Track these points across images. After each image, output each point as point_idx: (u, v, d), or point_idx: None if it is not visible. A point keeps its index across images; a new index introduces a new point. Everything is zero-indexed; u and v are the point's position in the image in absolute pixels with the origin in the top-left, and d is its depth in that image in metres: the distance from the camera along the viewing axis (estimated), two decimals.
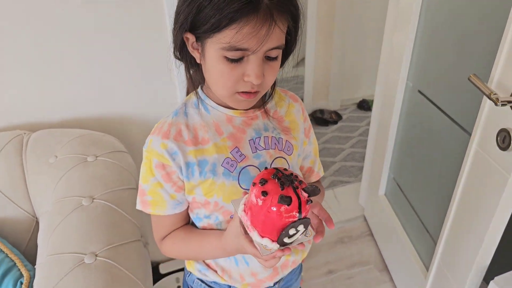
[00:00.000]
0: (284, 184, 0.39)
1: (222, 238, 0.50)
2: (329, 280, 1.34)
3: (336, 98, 2.54)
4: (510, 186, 0.66)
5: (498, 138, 0.66)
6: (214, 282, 0.61)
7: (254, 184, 0.41)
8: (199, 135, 0.52)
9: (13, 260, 0.77)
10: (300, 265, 0.70)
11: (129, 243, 0.70)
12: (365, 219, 1.59)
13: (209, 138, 0.51)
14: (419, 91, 1.06)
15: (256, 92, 0.48)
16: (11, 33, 0.85)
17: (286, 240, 0.40)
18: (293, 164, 0.57)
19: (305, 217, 0.40)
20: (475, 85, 0.63)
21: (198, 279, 0.63)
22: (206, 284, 0.62)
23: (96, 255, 0.65)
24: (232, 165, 0.52)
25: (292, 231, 0.39)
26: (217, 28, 0.42)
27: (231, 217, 0.54)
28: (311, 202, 0.41)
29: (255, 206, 0.40)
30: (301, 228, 0.40)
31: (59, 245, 0.68)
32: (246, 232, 0.44)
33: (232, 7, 0.40)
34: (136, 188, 0.83)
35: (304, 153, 0.62)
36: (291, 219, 0.38)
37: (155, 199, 0.53)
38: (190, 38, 0.46)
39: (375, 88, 1.41)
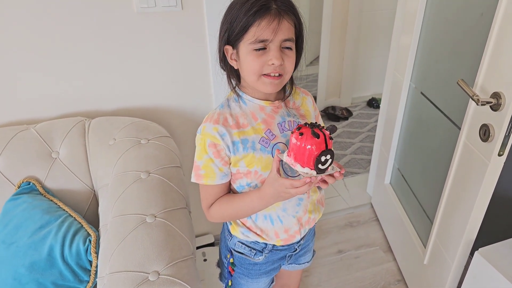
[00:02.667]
0: (313, 126, 0.56)
1: (261, 189, 0.65)
2: (338, 258, 1.48)
3: (347, 95, 2.66)
4: (490, 171, 0.80)
5: (480, 132, 0.80)
6: (254, 242, 0.76)
7: (292, 132, 0.58)
8: (240, 121, 0.67)
9: (80, 223, 0.91)
10: (314, 228, 0.87)
11: (178, 209, 0.86)
12: (372, 206, 1.73)
13: (248, 123, 0.67)
14: (422, 93, 1.20)
15: (279, 76, 0.62)
16: (80, 36, 1.01)
17: (320, 166, 0.55)
18: None
19: (330, 149, 0.55)
20: (462, 88, 0.77)
21: (239, 241, 0.78)
22: (246, 245, 0.77)
23: (155, 216, 0.81)
24: (266, 142, 0.67)
25: (323, 158, 0.55)
26: (244, 28, 0.59)
27: None
28: (332, 139, 0.56)
29: (295, 146, 0.56)
30: (329, 157, 0.55)
31: (124, 208, 0.84)
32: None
33: (252, 11, 0.58)
34: (180, 167, 1.00)
35: None
36: (322, 149, 0.54)
37: (207, 172, 0.68)
38: (229, 49, 0.64)
39: (383, 87, 1.55)
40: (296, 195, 0.61)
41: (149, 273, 0.69)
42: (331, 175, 0.58)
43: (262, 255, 0.77)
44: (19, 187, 0.96)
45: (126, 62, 1.09)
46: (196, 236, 1.49)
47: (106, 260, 0.77)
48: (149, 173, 0.91)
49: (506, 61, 0.72)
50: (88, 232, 0.90)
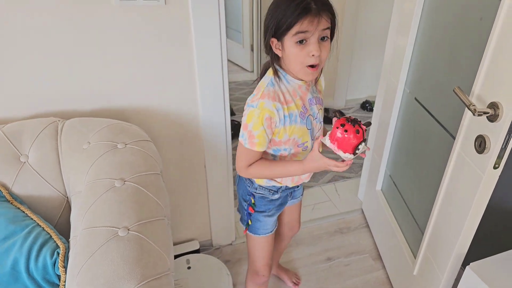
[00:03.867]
0: (355, 123, 0.71)
1: (305, 163, 0.81)
2: (327, 266, 1.45)
3: (341, 97, 2.63)
4: (484, 184, 0.76)
5: (476, 143, 0.76)
6: (273, 186, 0.94)
7: (337, 127, 0.72)
8: (286, 98, 0.80)
9: (49, 233, 0.85)
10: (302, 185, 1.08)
11: (155, 220, 0.80)
12: (363, 212, 1.70)
13: (291, 99, 0.81)
14: (415, 98, 1.16)
15: (317, 66, 0.75)
16: (51, 29, 0.94)
17: (356, 151, 0.73)
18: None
19: (365, 139, 0.73)
20: (458, 96, 0.73)
21: (260, 186, 0.94)
22: (265, 188, 0.95)
23: (128, 229, 0.75)
24: (302, 115, 0.83)
25: (360, 146, 0.72)
26: (289, 26, 0.71)
27: (299, 146, 0.86)
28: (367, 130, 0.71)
29: (341, 138, 0.73)
30: (363, 144, 0.73)
31: (94, 220, 0.78)
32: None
33: (296, 13, 0.69)
34: (159, 174, 0.94)
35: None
36: (360, 140, 0.72)
37: (260, 141, 0.80)
38: (274, 41, 0.76)
39: (377, 90, 1.51)
40: (336, 171, 0.78)
41: None
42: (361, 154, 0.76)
43: (278, 194, 0.97)
44: None
45: (104, 59, 1.02)
46: (180, 243, 1.44)
47: (73, 277, 0.71)
48: (124, 181, 0.85)
49: (506, 69, 0.68)
50: (57, 244, 0.84)
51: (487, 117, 0.70)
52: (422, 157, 1.14)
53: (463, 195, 0.84)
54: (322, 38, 0.73)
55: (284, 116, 0.80)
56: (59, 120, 1.01)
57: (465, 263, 0.90)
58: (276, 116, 0.79)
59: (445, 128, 0.98)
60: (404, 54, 1.16)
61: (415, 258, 1.16)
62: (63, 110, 1.06)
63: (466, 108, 0.75)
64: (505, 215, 1.03)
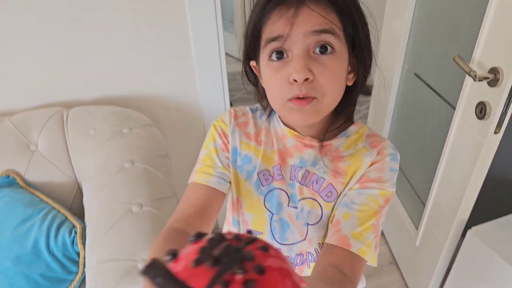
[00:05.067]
0: (221, 272, 0.18)
1: None
2: None
3: None
4: (485, 149, 0.78)
5: (477, 110, 0.78)
6: None
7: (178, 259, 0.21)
8: (260, 135, 0.51)
9: (64, 215, 0.89)
10: None
11: (166, 198, 0.83)
12: None
13: (264, 143, 0.51)
14: (415, 74, 1.17)
15: (307, 99, 0.41)
16: (47, 18, 0.94)
17: None
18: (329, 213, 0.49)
19: None
20: (459, 65, 0.75)
21: None
22: None
23: (141, 206, 0.78)
24: (266, 180, 0.50)
25: None
26: (257, 31, 0.42)
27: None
28: None
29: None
30: None
31: (108, 199, 0.81)
32: None
33: (262, 7, 0.42)
34: (166, 156, 0.96)
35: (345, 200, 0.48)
36: None
37: (206, 165, 0.50)
38: (255, 65, 0.48)
39: (375, 72, 1.52)
40: None
41: (138, 261, 0.67)
42: None
43: None
44: None
45: (104, 48, 1.03)
46: None
47: (93, 250, 0.74)
48: (133, 162, 0.87)
49: (505, 34, 0.69)
50: (73, 224, 0.87)
51: (487, 82, 0.72)
52: (423, 131, 1.16)
53: (464, 161, 0.86)
54: (322, 49, 0.40)
55: (234, 148, 0.51)
56: (63, 110, 1.03)
57: (466, 232, 0.93)
58: (229, 138, 0.51)
59: (445, 100, 1.00)
60: (402, 30, 1.17)
61: (417, 230, 1.19)
62: (66, 100, 1.08)
63: (467, 75, 0.77)
64: (506, 182, 1.06)
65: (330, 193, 0.48)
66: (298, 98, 0.41)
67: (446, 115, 0.98)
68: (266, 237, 0.51)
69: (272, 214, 0.51)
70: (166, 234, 0.44)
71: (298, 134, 0.49)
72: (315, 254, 0.52)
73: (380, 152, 0.48)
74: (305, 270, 0.54)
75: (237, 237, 0.19)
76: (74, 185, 0.99)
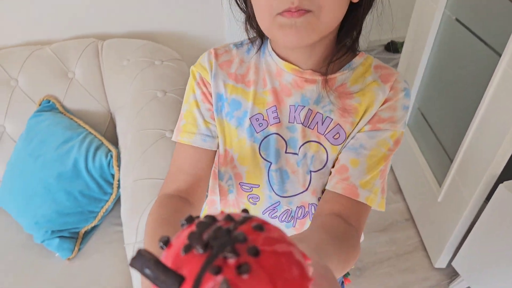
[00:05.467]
0: (212, 258, 0.17)
1: None
2: None
3: (363, 39, 2.51)
4: None
5: None
6: None
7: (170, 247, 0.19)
8: (248, 75, 0.44)
9: (100, 140, 0.93)
10: None
11: None
12: None
13: (253, 83, 0.43)
14: (457, 19, 1.11)
15: (302, 12, 0.34)
16: None
17: None
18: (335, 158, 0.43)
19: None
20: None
21: None
22: None
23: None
24: (260, 125, 0.43)
25: None
26: None
27: (243, 189, 0.46)
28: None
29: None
30: None
31: (142, 125, 0.85)
32: None
33: None
34: None
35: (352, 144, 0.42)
36: None
37: (188, 122, 0.45)
38: None
39: (410, 19, 1.44)
40: None
41: None
42: None
43: None
44: (40, 105, 0.96)
45: None
46: None
47: (128, 172, 0.79)
48: (166, 92, 0.89)
49: None
50: (108, 148, 0.92)
51: None
52: (459, 82, 1.11)
53: (505, 111, 0.83)
54: None
55: (217, 94, 0.44)
56: (98, 41, 1.05)
57: (493, 191, 0.91)
58: (210, 81, 0.44)
59: (490, 47, 0.94)
60: None
61: (440, 186, 1.19)
62: (99, 33, 1.10)
63: None
64: None
65: (338, 135, 0.42)
66: (290, 11, 0.34)
67: (488, 62, 0.93)
68: (263, 190, 0.46)
69: (270, 163, 0.45)
70: (160, 201, 0.43)
71: (296, 67, 0.42)
72: None
73: (393, 87, 0.42)
74: (306, 224, 0.49)
75: (229, 217, 0.18)
76: (107, 115, 1.04)
